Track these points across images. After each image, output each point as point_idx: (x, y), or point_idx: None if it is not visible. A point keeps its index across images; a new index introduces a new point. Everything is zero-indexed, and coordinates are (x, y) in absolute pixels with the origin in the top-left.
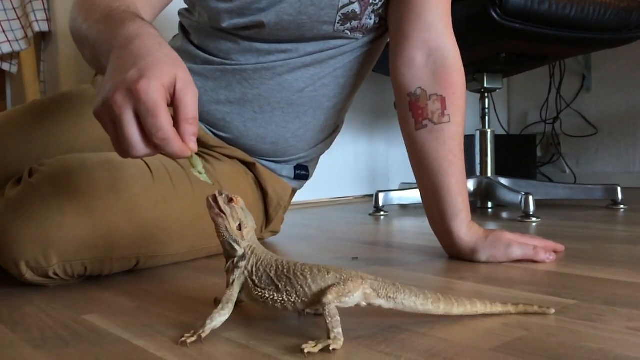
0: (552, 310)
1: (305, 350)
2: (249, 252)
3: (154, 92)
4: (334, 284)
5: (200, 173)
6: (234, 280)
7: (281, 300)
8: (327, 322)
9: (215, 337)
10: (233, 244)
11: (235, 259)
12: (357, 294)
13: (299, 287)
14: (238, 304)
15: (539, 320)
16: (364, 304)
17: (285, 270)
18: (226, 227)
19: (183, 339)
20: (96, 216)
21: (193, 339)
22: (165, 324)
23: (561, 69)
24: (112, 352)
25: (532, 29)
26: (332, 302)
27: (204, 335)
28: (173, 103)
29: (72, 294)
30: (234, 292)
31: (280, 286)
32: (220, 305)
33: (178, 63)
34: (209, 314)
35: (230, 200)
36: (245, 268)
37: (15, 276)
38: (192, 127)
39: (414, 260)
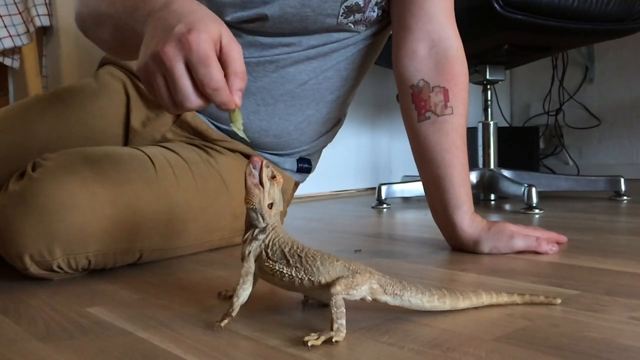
0: (559, 301)
1: (309, 343)
2: (271, 228)
3: (205, 43)
4: (343, 276)
5: (239, 129)
6: (250, 252)
7: (289, 275)
8: (333, 312)
9: (219, 329)
10: (259, 215)
11: (256, 231)
12: (365, 288)
13: (308, 265)
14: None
15: (542, 311)
16: (369, 298)
17: (298, 250)
18: (260, 199)
19: (217, 323)
20: (99, 210)
21: (225, 321)
22: (169, 316)
23: (564, 60)
24: (116, 344)
25: (535, 20)
26: (340, 293)
27: (234, 313)
28: (221, 58)
29: (76, 287)
30: (251, 264)
31: (290, 261)
32: (241, 280)
33: (220, 21)
34: (212, 306)
35: (273, 177)
36: (263, 241)
37: (19, 270)
38: (240, 82)
39: (417, 252)
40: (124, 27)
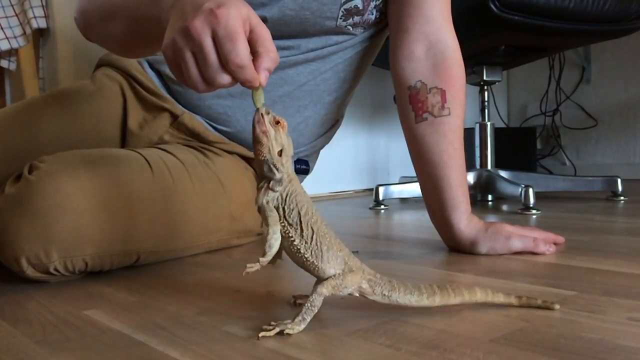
0: (557, 306)
1: (260, 334)
2: (287, 180)
3: (234, 19)
4: (334, 277)
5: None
6: (268, 202)
7: (297, 248)
8: (306, 305)
9: (214, 330)
10: (272, 167)
11: (272, 182)
12: (352, 289)
13: (316, 247)
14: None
15: (539, 312)
16: (357, 294)
17: (313, 220)
18: (269, 148)
19: (247, 266)
20: (96, 212)
21: (255, 267)
22: (166, 319)
23: (561, 60)
24: (113, 347)
25: (531, 21)
26: (323, 294)
27: (266, 263)
28: (251, 37)
29: (73, 289)
30: (275, 213)
31: (304, 234)
32: (271, 230)
33: (249, 6)
34: (209, 308)
35: (277, 122)
36: (280, 194)
37: (16, 272)
38: (271, 62)
39: (414, 253)
40: (144, 17)
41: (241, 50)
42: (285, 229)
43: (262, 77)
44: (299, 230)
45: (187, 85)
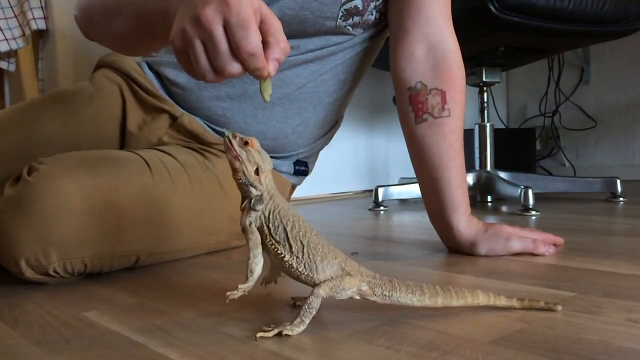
0: (559, 307)
1: (257, 335)
2: (267, 197)
3: (246, 8)
4: (331, 279)
5: (266, 101)
6: (250, 223)
7: (290, 264)
8: (303, 308)
9: (214, 332)
10: (249, 187)
11: (252, 201)
12: (351, 291)
13: (309, 260)
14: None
15: (538, 313)
16: (357, 297)
17: (301, 233)
18: (244, 170)
19: (228, 294)
20: (95, 213)
21: (238, 293)
22: (165, 320)
23: (560, 62)
24: (112, 348)
25: (531, 22)
26: (320, 295)
27: (248, 289)
28: (262, 27)
29: (73, 291)
30: (257, 235)
31: (293, 249)
32: (252, 254)
33: None
34: (208, 310)
35: (246, 143)
36: (262, 212)
37: (15, 274)
38: (281, 52)
39: (414, 255)
40: (150, 11)
41: (253, 38)
42: (274, 246)
43: (271, 67)
44: (287, 247)
45: (195, 75)
